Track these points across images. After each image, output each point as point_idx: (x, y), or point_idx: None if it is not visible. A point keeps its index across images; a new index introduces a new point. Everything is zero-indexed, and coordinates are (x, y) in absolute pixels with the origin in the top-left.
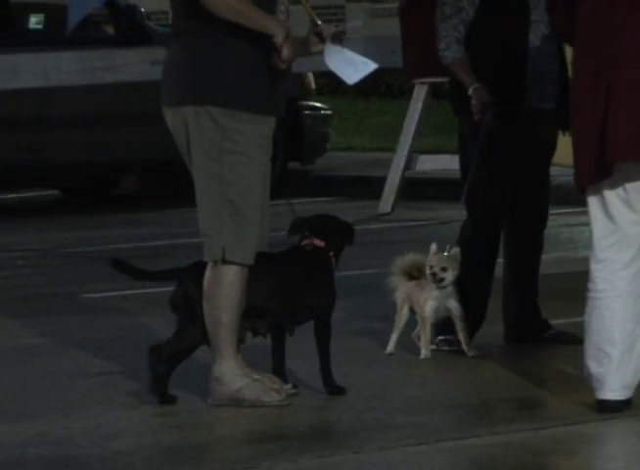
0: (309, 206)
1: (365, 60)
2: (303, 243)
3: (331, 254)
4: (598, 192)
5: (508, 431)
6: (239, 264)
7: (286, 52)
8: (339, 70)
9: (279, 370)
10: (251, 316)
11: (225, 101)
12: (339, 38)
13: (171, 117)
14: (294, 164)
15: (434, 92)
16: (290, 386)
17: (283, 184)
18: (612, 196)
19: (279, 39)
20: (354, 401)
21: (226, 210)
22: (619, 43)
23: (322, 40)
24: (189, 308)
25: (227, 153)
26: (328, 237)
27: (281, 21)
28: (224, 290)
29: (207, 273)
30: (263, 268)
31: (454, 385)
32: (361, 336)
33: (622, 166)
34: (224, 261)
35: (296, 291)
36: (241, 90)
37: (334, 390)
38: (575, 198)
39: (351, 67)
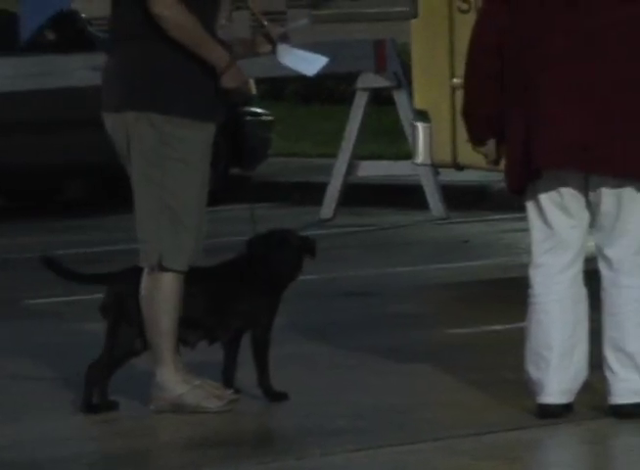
0: (251, 212)
1: (315, 55)
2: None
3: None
4: (534, 197)
5: (450, 436)
6: (175, 271)
7: (224, 80)
8: (296, 66)
9: (228, 375)
10: (182, 327)
11: (166, 107)
12: (286, 38)
13: (111, 122)
14: (235, 170)
15: (375, 98)
16: (231, 391)
17: (225, 190)
18: (547, 201)
19: (218, 69)
20: (297, 407)
21: (165, 216)
22: (549, 46)
23: (270, 41)
24: (121, 313)
25: (167, 159)
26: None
27: (225, 51)
28: (162, 296)
29: (145, 280)
30: (197, 280)
31: (397, 390)
32: (304, 342)
33: (554, 171)
34: (161, 268)
35: (229, 302)
36: (182, 97)
37: (275, 397)
38: (519, 203)
39: (306, 62)
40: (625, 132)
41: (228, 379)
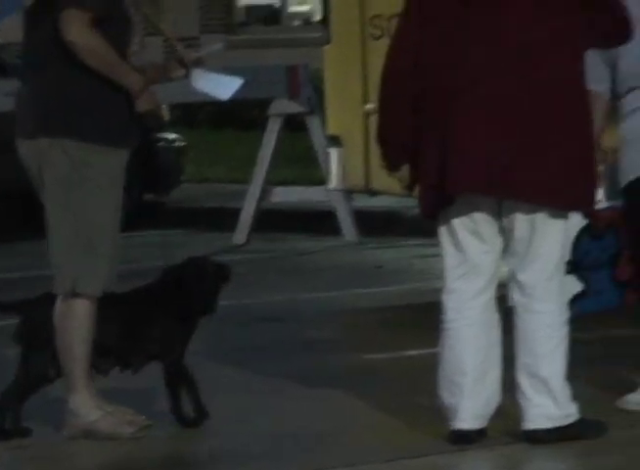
0: (164, 237)
1: (230, 77)
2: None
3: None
4: (447, 222)
5: (363, 462)
6: (89, 296)
7: (138, 104)
8: (210, 90)
9: (173, 408)
10: (94, 353)
11: (80, 134)
12: (200, 63)
13: (25, 149)
14: (149, 196)
15: (288, 124)
16: (143, 418)
17: (138, 216)
18: (460, 227)
19: (132, 93)
20: (211, 433)
21: (79, 242)
22: (462, 68)
23: (183, 66)
24: (34, 340)
25: (80, 185)
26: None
27: (139, 75)
28: (76, 323)
29: (58, 306)
30: (110, 306)
31: (311, 415)
32: (220, 366)
33: (468, 197)
34: (75, 294)
35: (142, 328)
36: (96, 123)
37: (188, 423)
38: (431, 229)
39: (220, 86)
40: (536, 158)
41: (174, 412)
